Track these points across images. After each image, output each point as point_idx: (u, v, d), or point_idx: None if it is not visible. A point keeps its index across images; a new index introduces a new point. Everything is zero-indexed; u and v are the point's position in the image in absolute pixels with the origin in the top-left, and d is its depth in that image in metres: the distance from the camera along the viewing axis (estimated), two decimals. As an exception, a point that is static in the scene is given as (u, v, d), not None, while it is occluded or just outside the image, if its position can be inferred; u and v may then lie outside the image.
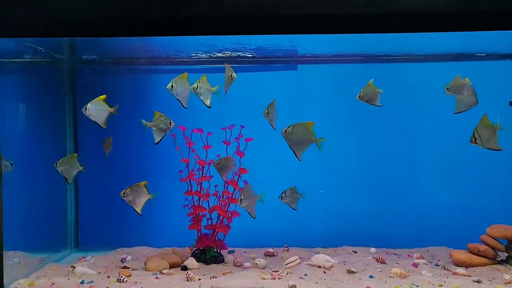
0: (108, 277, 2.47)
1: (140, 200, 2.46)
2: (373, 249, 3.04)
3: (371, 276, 2.47)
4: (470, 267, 2.66)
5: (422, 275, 2.49)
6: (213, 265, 2.77)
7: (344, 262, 2.78)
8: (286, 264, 2.69)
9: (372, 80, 2.64)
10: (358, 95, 2.65)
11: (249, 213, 2.54)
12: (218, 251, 2.89)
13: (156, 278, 2.44)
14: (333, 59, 3.28)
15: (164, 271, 2.57)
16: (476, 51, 3.10)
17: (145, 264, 2.67)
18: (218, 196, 2.87)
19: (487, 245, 2.71)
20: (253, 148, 2.97)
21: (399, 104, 3.24)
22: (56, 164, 2.61)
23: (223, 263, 2.83)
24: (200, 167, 2.84)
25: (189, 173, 2.85)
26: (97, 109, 2.48)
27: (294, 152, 2.45)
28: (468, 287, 2.29)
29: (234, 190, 2.81)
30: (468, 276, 2.47)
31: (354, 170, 3.31)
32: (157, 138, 2.51)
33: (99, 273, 2.58)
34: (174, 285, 2.34)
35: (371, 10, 2.34)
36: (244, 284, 2.32)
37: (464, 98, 2.54)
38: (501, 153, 3.13)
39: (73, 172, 2.66)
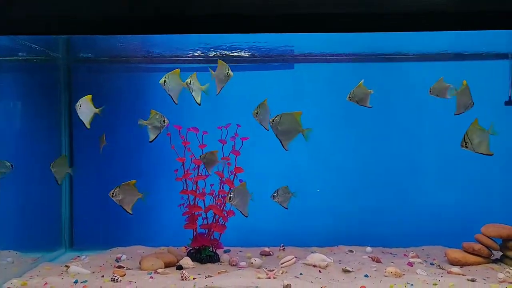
0: (102, 276, 2.45)
1: (130, 200, 2.45)
2: (369, 248, 3.04)
3: (366, 275, 2.47)
4: (465, 266, 2.67)
5: (417, 274, 2.50)
6: (209, 265, 2.76)
7: (340, 261, 2.78)
8: (282, 264, 2.68)
9: (362, 81, 2.64)
10: (348, 96, 2.65)
11: (240, 211, 2.53)
12: (214, 250, 2.88)
13: (150, 277, 2.43)
14: (330, 58, 3.29)
15: (159, 270, 2.56)
16: (471, 51, 3.12)
17: (140, 264, 2.66)
18: (214, 196, 2.87)
19: (482, 244, 2.72)
20: (250, 147, 2.98)
21: (395, 103, 3.25)
22: (51, 165, 2.63)
23: (218, 263, 2.82)
24: (196, 166, 2.84)
25: (184, 172, 2.84)
26: (83, 108, 2.47)
27: (281, 142, 2.43)
28: (462, 286, 2.29)
29: (230, 189, 2.80)
30: (462, 275, 2.48)
31: (351, 169, 3.31)
32: (151, 136, 2.50)
33: (93, 272, 2.56)
34: (168, 285, 2.33)
35: (370, 10, 2.34)
36: (239, 283, 2.31)
37: (462, 100, 2.55)
38: (498, 152, 3.15)
39: (62, 173, 2.67)
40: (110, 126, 2.82)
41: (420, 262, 2.74)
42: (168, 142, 2.77)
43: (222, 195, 2.82)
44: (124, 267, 2.64)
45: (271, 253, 3.03)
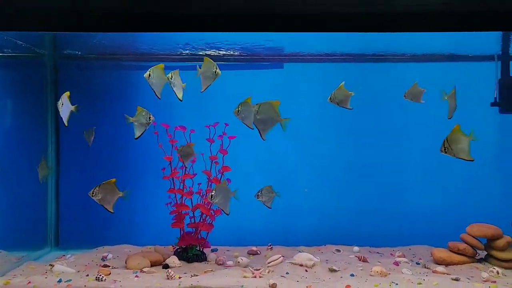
0: (87, 275, 2.43)
1: (110, 198, 2.43)
2: (356, 248, 3.05)
3: (352, 275, 2.48)
4: (450, 265, 2.69)
5: (403, 273, 2.51)
6: (195, 264, 2.75)
7: (327, 260, 2.79)
8: (269, 263, 2.68)
9: (343, 83, 2.65)
10: (329, 97, 2.65)
11: (222, 210, 2.52)
12: (201, 249, 2.87)
13: (136, 276, 2.42)
14: (319, 58, 3.29)
15: (145, 269, 2.55)
16: (458, 52, 3.15)
17: (126, 263, 2.65)
18: (201, 194, 2.86)
19: (467, 243, 2.74)
20: (239, 146, 2.97)
21: (384, 104, 3.27)
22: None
23: (205, 262, 2.81)
24: (183, 164, 2.82)
25: (172, 171, 2.83)
26: (64, 106, 2.45)
27: (259, 131, 2.42)
28: (446, 285, 2.30)
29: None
30: (447, 274, 2.50)
31: (339, 169, 3.33)
32: (137, 133, 2.49)
33: (78, 271, 2.54)
34: (154, 284, 2.31)
35: (366, 10, 2.35)
36: (224, 282, 2.31)
37: (452, 103, 2.56)
38: (484, 153, 3.18)
39: (43, 173, 2.69)
40: (97, 124, 2.80)
41: (406, 262, 2.76)
42: (155, 141, 2.76)
43: (210, 194, 2.81)
44: (109, 266, 2.62)
45: (258, 252, 3.02)
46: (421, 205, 3.26)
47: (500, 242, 2.68)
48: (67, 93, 2.49)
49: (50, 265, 2.60)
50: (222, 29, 2.44)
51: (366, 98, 2.84)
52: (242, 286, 2.28)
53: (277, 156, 3.31)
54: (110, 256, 2.86)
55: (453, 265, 2.70)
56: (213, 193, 2.44)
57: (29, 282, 2.33)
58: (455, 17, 2.37)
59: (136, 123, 2.51)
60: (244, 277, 2.40)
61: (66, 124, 2.50)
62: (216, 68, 2.43)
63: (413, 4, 2.35)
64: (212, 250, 3.02)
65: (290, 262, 2.67)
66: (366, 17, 2.39)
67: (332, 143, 3.28)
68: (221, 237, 3.06)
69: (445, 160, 3.23)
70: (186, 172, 2.82)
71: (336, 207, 3.27)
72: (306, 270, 2.57)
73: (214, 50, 3.11)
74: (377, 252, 3.03)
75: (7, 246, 2.68)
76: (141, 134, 2.49)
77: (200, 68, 2.41)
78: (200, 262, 2.79)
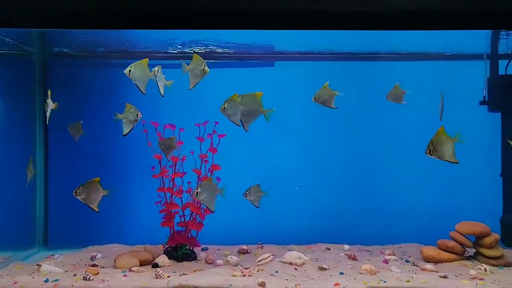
0: (75, 275, 2.41)
1: (95, 197, 2.41)
2: (346, 246, 3.06)
3: (341, 273, 2.48)
4: (439, 263, 2.70)
5: (391, 271, 2.51)
6: (185, 263, 2.74)
7: (317, 259, 2.79)
8: (258, 261, 2.68)
9: (327, 82, 2.64)
10: (314, 96, 2.64)
11: (207, 207, 2.51)
12: (191, 248, 2.86)
13: (124, 275, 2.40)
14: (311, 56, 3.29)
15: (133, 268, 2.53)
16: (448, 51, 3.16)
17: (114, 262, 2.63)
18: (191, 193, 2.84)
19: (455, 241, 2.76)
20: (230, 145, 2.97)
21: (374, 103, 3.27)
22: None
23: (195, 261, 2.80)
24: (173, 163, 2.81)
25: (161, 170, 2.82)
26: (49, 103, 2.44)
27: (242, 123, 2.41)
28: (434, 282, 2.31)
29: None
30: (435, 271, 2.51)
31: (331, 168, 3.33)
32: (125, 130, 2.47)
33: (66, 271, 2.51)
34: (142, 283, 2.29)
35: (355, 8, 2.35)
36: (213, 281, 2.29)
37: (441, 105, 2.57)
38: (473, 151, 3.21)
39: (30, 175, 2.68)
40: (86, 122, 2.77)
41: (396, 260, 2.77)
42: (145, 139, 2.74)
43: (195, 190, 2.79)
44: (98, 266, 2.60)
45: (249, 251, 3.02)
46: (412, 203, 3.27)
47: (488, 240, 2.70)
48: (49, 90, 2.47)
49: (37, 265, 2.57)
50: (211, 26, 2.43)
51: (356, 96, 2.84)
52: (231, 285, 2.27)
53: (268, 154, 3.31)
54: (99, 255, 2.84)
55: (442, 262, 2.71)
56: (198, 190, 2.42)
57: (15, 282, 2.30)
58: (444, 16, 2.37)
59: (124, 120, 2.50)
60: (233, 276, 2.39)
61: (47, 122, 2.48)
62: (205, 66, 2.41)
63: (405, 3, 2.36)
64: (203, 249, 3.01)
65: (279, 261, 2.67)
66: (355, 15, 2.38)
67: (323, 142, 3.29)
68: (212, 236, 3.06)
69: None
70: (176, 171, 2.81)
71: (326, 206, 3.28)
72: (296, 269, 2.57)
73: (204, 47, 3.10)
74: (367, 251, 3.04)
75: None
76: (129, 131, 2.48)
77: (188, 65, 2.39)
78: (190, 261, 2.78)
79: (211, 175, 2.78)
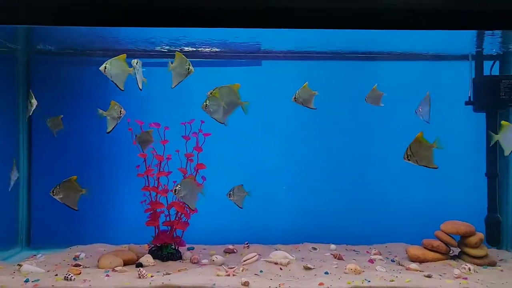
0: (56, 275, 2.37)
1: (73, 196, 2.37)
2: (333, 246, 3.05)
3: (326, 272, 2.48)
4: (424, 262, 2.71)
5: (376, 270, 2.51)
6: (170, 262, 2.72)
7: (303, 258, 2.78)
8: (244, 261, 2.66)
9: (307, 83, 2.64)
10: (294, 96, 2.63)
11: (187, 205, 2.48)
12: (176, 248, 2.84)
13: (106, 275, 2.37)
14: (299, 56, 3.28)
15: (117, 268, 2.49)
16: (434, 52, 3.18)
17: (98, 262, 2.60)
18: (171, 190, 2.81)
19: (440, 240, 2.77)
20: (217, 144, 2.95)
21: (362, 103, 3.27)
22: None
23: (180, 260, 2.77)
24: (158, 162, 2.78)
25: (146, 168, 2.79)
26: (32, 104, 2.41)
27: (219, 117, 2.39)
28: (418, 281, 2.31)
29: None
30: (420, 271, 2.51)
31: (318, 167, 3.32)
32: (109, 127, 2.45)
33: (48, 271, 2.48)
34: (124, 283, 2.26)
35: (342, 6, 2.34)
36: (196, 281, 2.27)
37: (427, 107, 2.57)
38: (459, 151, 3.22)
39: (12, 179, 2.66)
40: (70, 121, 2.74)
41: (381, 259, 2.77)
42: (130, 138, 2.71)
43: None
44: (81, 266, 2.56)
45: (235, 250, 3.00)
46: (398, 203, 3.28)
47: (473, 239, 2.71)
48: (30, 91, 2.44)
49: (18, 265, 2.52)
50: (198, 24, 2.41)
51: (343, 95, 2.84)
52: (214, 284, 2.24)
53: (255, 154, 3.30)
54: (82, 255, 2.80)
55: (427, 262, 2.72)
56: (177, 187, 2.38)
57: (-5, 282, 2.27)
58: (430, 16, 2.38)
59: (108, 117, 2.48)
60: (217, 275, 2.37)
61: (26, 120, 2.44)
62: (189, 65, 2.38)
63: (393, 2, 2.36)
64: (189, 249, 2.99)
65: (265, 261, 2.65)
66: (342, 14, 2.38)
67: (310, 142, 3.28)
68: (199, 236, 3.04)
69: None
70: (161, 170, 2.78)
71: (313, 205, 3.27)
72: (281, 268, 2.55)
73: (191, 46, 3.08)
74: (354, 250, 3.04)
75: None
76: (113, 128, 2.46)
77: (172, 64, 2.37)
78: (175, 260, 2.76)
79: (196, 174, 2.77)
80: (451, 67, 3.24)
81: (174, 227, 2.81)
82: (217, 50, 3.13)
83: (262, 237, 3.19)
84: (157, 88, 3.03)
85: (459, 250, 2.82)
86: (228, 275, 2.39)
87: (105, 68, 2.34)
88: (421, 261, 2.71)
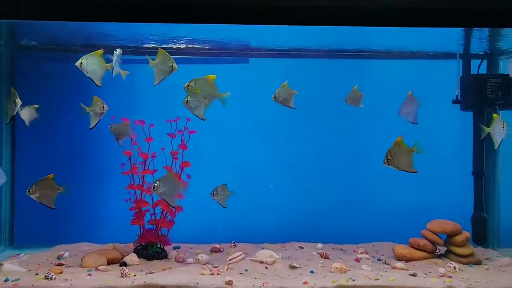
0: (37, 274, 2.34)
1: (50, 195, 2.34)
2: (320, 245, 3.04)
3: (311, 271, 2.46)
4: (410, 261, 2.70)
5: (362, 269, 2.51)
6: (155, 261, 2.69)
7: (289, 257, 2.76)
8: (230, 260, 2.64)
9: (286, 81, 2.62)
10: (273, 95, 2.61)
11: (166, 201, 2.45)
12: (162, 247, 2.81)
13: (89, 274, 2.34)
14: (286, 54, 3.26)
15: (100, 267, 2.46)
16: (422, 50, 3.17)
17: (81, 261, 2.56)
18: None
19: (427, 239, 2.77)
20: (203, 142, 2.92)
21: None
22: None
23: (165, 259, 2.74)
24: (143, 160, 2.75)
25: (131, 166, 2.76)
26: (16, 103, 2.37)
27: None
28: (403, 280, 2.30)
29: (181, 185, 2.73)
30: (406, 270, 2.50)
31: (306, 166, 3.31)
32: (92, 123, 2.41)
33: (30, 270, 2.44)
34: (106, 282, 2.23)
35: (327, 4, 2.32)
36: (180, 280, 2.24)
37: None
38: (446, 150, 3.22)
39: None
40: (54, 118, 2.70)
41: (367, 258, 2.76)
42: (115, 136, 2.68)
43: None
44: (64, 265, 2.53)
45: (221, 249, 2.97)
46: (386, 202, 3.27)
47: (459, 238, 2.71)
48: (12, 88, 2.39)
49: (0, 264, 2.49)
50: (184, 20, 2.38)
51: (330, 94, 2.83)
52: (198, 283, 2.22)
53: (242, 152, 3.28)
54: (66, 254, 2.77)
55: (413, 261, 2.71)
56: (156, 184, 2.34)
57: (-26, 282, 2.23)
58: (418, 13, 2.37)
59: (92, 113, 2.44)
60: (201, 274, 2.35)
61: (7, 122, 2.39)
62: (173, 62, 2.34)
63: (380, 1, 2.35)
64: (174, 248, 2.96)
65: (251, 259, 2.63)
66: (329, 11, 2.37)
67: (298, 141, 3.27)
68: (186, 234, 3.02)
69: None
70: (146, 168, 2.75)
71: (301, 204, 3.26)
72: (266, 267, 2.53)
73: (178, 43, 3.05)
74: (341, 249, 3.02)
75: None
76: (96, 124, 2.42)
77: (153, 60, 2.33)
78: (161, 259, 2.73)
79: (181, 172, 2.74)
80: (439, 66, 3.24)
81: (159, 225, 2.79)
82: (204, 47, 3.09)
83: (249, 236, 3.17)
84: (144, 85, 3.01)
85: (445, 249, 2.82)
86: (212, 274, 2.37)
87: (81, 63, 2.28)
88: (407, 260, 2.71)
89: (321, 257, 2.77)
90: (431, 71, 3.17)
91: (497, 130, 2.42)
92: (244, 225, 3.26)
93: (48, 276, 2.24)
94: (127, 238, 2.96)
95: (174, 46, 3.10)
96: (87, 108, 2.44)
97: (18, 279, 2.26)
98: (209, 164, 3.17)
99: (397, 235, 3.10)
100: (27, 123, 2.49)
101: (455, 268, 2.50)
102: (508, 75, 2.94)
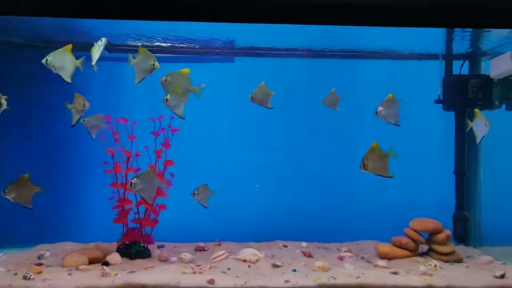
0: (15, 274, 2.30)
1: (26, 195, 2.31)
2: (304, 244, 3.05)
3: (294, 270, 2.47)
4: (393, 259, 2.72)
5: (344, 268, 2.52)
6: (138, 260, 2.67)
7: (273, 256, 2.76)
8: (213, 259, 2.64)
9: (263, 82, 2.63)
10: (251, 96, 2.62)
11: (143, 198, 2.43)
12: (145, 245, 2.79)
13: (68, 274, 2.31)
14: (272, 53, 3.27)
15: (81, 267, 2.44)
16: (406, 51, 3.20)
17: (62, 260, 2.53)
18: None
19: (409, 238, 2.79)
20: (188, 141, 2.91)
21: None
22: None
23: (149, 258, 2.73)
24: (127, 158, 2.73)
25: (114, 165, 2.73)
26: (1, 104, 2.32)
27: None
28: (384, 278, 2.32)
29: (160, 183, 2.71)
30: (387, 268, 2.52)
31: (293, 166, 3.32)
32: (73, 120, 2.39)
33: (8, 270, 2.40)
34: (86, 281, 2.21)
35: (313, 2, 2.32)
36: (161, 279, 2.23)
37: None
38: (429, 149, 3.25)
39: None
40: (34, 117, 2.66)
41: (351, 256, 2.78)
42: (99, 135, 2.65)
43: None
44: (43, 265, 2.50)
45: (206, 248, 2.97)
46: (371, 200, 3.30)
47: (440, 236, 2.74)
48: None
49: (-23, 264, 2.45)
50: (168, 18, 2.36)
51: (314, 93, 2.83)
52: (179, 282, 2.21)
53: (228, 151, 3.27)
54: (47, 254, 2.73)
55: (395, 259, 2.73)
56: (133, 181, 2.31)
57: (-50, 282, 2.19)
58: (402, 13, 2.38)
59: (73, 110, 2.41)
60: (183, 273, 2.34)
61: None
62: (155, 61, 2.32)
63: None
64: (159, 247, 2.95)
65: (234, 258, 2.63)
66: (312, 9, 2.36)
67: (281, 140, 3.28)
68: (171, 233, 3.00)
69: (394, 158, 3.32)
70: (130, 166, 2.73)
71: (285, 203, 3.26)
72: (249, 266, 2.53)
73: (164, 41, 3.03)
74: (325, 248, 3.04)
75: None
76: (77, 121, 2.39)
77: (134, 58, 2.31)
78: (144, 258, 2.71)
79: (164, 170, 2.73)
80: (421, 66, 3.27)
81: (143, 224, 2.77)
82: (189, 45, 3.08)
83: (234, 234, 3.17)
84: (127, 83, 2.98)
85: (427, 247, 2.85)
86: (194, 273, 2.36)
87: (47, 60, 2.22)
88: (389, 258, 2.73)
89: (305, 255, 2.78)
90: (414, 71, 3.21)
91: (479, 126, 2.47)
92: (230, 224, 3.26)
93: (26, 276, 2.21)
94: (111, 238, 2.95)
95: (162, 44, 3.08)
96: (69, 105, 2.41)
97: (-5, 279, 2.23)
98: (194, 163, 3.16)
99: (382, 234, 3.14)
100: None
101: (435, 266, 2.53)
102: (489, 76, 3.00)
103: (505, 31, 2.64)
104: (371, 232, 3.19)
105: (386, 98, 2.46)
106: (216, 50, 3.14)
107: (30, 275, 2.21)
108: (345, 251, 2.89)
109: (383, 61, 3.28)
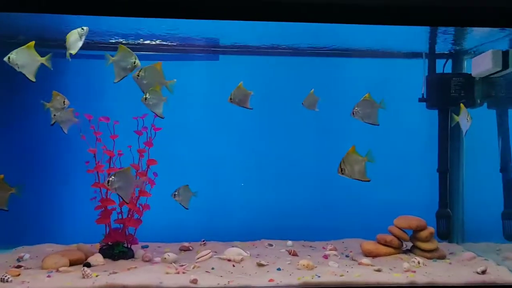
0: (-7, 277, 2.25)
1: (1, 196, 2.25)
2: (289, 242, 3.04)
3: (278, 269, 2.46)
4: (377, 257, 2.73)
5: (329, 266, 2.52)
6: (121, 261, 2.62)
7: (258, 255, 2.75)
8: (198, 258, 2.61)
9: (241, 82, 2.62)
10: (229, 97, 2.61)
11: (121, 196, 2.38)
12: (128, 246, 2.75)
13: (48, 276, 2.26)
14: (257, 51, 3.25)
15: (61, 268, 2.39)
16: (389, 49, 3.22)
17: (42, 262, 2.48)
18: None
19: (393, 235, 2.81)
20: (172, 141, 2.86)
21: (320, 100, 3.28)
22: None
23: (132, 259, 2.69)
24: (109, 158, 2.68)
25: (96, 164, 2.69)
26: None
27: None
28: (368, 275, 2.33)
29: (143, 182, 2.68)
30: (371, 265, 2.53)
31: (279, 164, 3.31)
32: (53, 120, 2.35)
33: (-14, 273, 2.35)
34: (65, 283, 2.16)
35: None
36: (143, 279, 2.19)
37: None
38: (413, 147, 3.27)
39: None
40: (17, 117, 2.60)
41: (335, 255, 2.78)
42: (78, 132, 2.60)
43: (136, 188, 2.68)
44: (23, 267, 2.44)
45: (190, 248, 2.94)
46: (357, 199, 3.30)
47: (424, 233, 2.77)
48: None
49: (-47, 267, 2.38)
50: (151, 14, 2.32)
51: (299, 92, 2.82)
52: (161, 282, 2.18)
53: (212, 150, 3.25)
54: (27, 256, 2.67)
55: (380, 256, 2.74)
56: (111, 179, 2.26)
57: None
58: (387, 11, 2.38)
59: (52, 109, 2.36)
60: (167, 273, 2.31)
61: None
62: (135, 59, 2.25)
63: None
64: (143, 247, 2.90)
65: (218, 257, 2.62)
66: (298, 6, 2.35)
67: (266, 138, 3.26)
68: (155, 233, 2.96)
69: (381, 156, 3.33)
70: (112, 165, 2.68)
71: (271, 202, 3.25)
72: (234, 265, 2.52)
73: (147, 39, 2.98)
74: (310, 246, 3.04)
75: None
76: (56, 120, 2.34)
77: (112, 57, 2.25)
78: (127, 259, 2.66)
79: (147, 169, 2.69)
80: (405, 65, 3.29)
81: (126, 224, 2.73)
82: (173, 43, 3.04)
83: (219, 234, 3.15)
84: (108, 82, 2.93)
85: (411, 244, 2.87)
86: (178, 273, 2.33)
87: (9, 58, 2.13)
88: (374, 255, 2.74)
89: (290, 254, 2.77)
90: (397, 70, 3.22)
91: (463, 120, 2.51)
92: (215, 223, 3.24)
93: (4, 278, 2.15)
94: (94, 239, 2.90)
95: (146, 42, 3.03)
96: (47, 104, 2.35)
97: (-28, 282, 2.17)
98: (178, 162, 3.12)
99: (368, 232, 3.15)
100: None
101: (419, 263, 2.55)
102: (471, 74, 3.04)
103: (487, 30, 2.67)
104: (357, 230, 3.21)
105: (362, 98, 2.47)
106: (200, 48, 3.11)
107: (8, 278, 2.16)
108: (330, 250, 2.88)
109: (367, 60, 3.29)
